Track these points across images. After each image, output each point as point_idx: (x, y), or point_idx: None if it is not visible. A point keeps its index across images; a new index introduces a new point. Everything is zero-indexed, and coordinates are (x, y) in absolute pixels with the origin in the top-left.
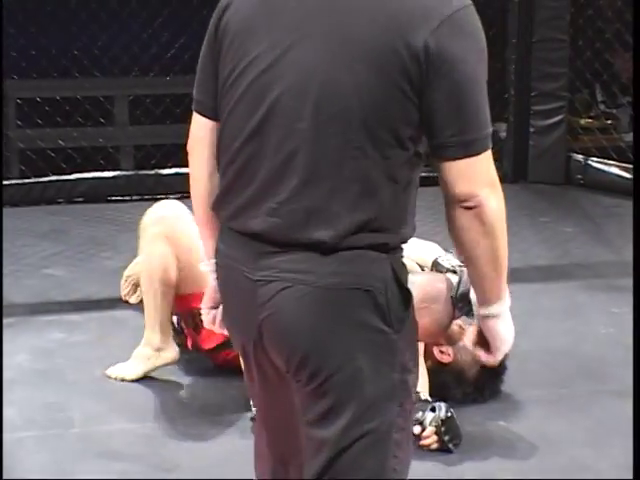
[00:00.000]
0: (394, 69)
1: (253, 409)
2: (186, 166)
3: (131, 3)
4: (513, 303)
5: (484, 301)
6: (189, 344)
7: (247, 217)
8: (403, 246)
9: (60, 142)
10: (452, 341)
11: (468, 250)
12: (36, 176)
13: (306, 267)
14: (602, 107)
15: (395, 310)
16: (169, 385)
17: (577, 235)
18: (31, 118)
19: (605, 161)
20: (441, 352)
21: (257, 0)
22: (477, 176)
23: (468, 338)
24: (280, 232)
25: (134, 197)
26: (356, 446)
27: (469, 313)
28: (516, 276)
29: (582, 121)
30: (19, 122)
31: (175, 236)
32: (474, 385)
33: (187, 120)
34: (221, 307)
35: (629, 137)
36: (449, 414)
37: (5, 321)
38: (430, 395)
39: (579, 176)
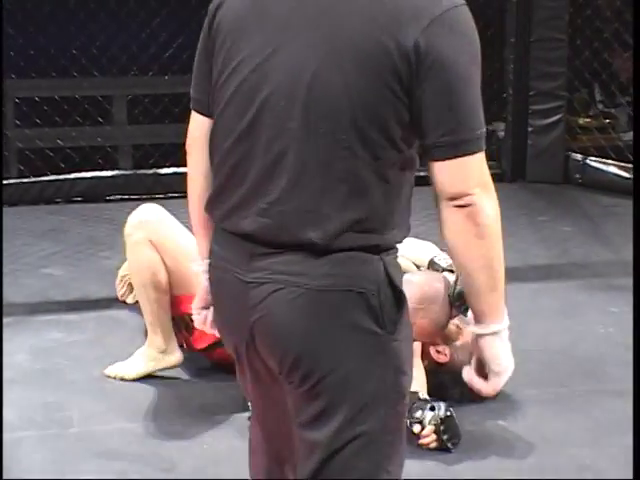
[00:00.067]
0: (384, 69)
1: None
2: (185, 166)
3: (129, 3)
4: (512, 302)
5: (480, 316)
6: (183, 344)
7: (239, 217)
8: (398, 246)
9: (59, 141)
10: (449, 340)
11: (461, 254)
12: (35, 175)
13: (298, 269)
14: (600, 106)
15: (388, 312)
16: (168, 385)
17: (575, 234)
18: (30, 118)
19: (603, 160)
20: (438, 352)
21: None
22: (469, 177)
23: (464, 338)
24: (270, 233)
25: (132, 196)
26: (349, 448)
27: (466, 312)
28: (515, 275)
29: (580, 120)
30: (18, 122)
31: (159, 241)
32: None
33: (186, 119)
34: (212, 308)
35: (628, 136)
36: (448, 413)
37: (4, 320)
38: (428, 395)
39: (577, 175)
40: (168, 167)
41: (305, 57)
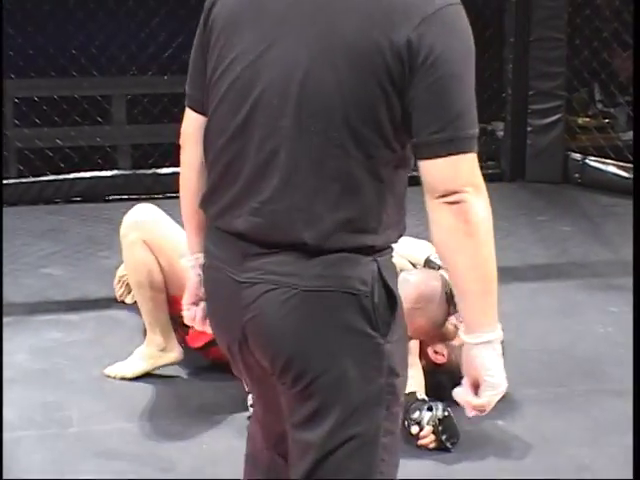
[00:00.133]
0: (376, 67)
1: (250, 409)
2: None
3: (128, 3)
4: (511, 302)
5: (471, 323)
6: (180, 343)
7: (232, 216)
8: (393, 246)
9: (58, 141)
10: (446, 339)
11: (450, 254)
12: (34, 175)
13: (290, 269)
14: (600, 106)
15: (381, 314)
16: (167, 384)
17: (575, 234)
18: (29, 117)
19: (603, 160)
20: (435, 353)
21: None
22: (460, 175)
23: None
24: (262, 232)
25: (132, 196)
26: (342, 449)
27: None
28: (514, 275)
29: (580, 120)
30: (17, 121)
31: (154, 241)
32: None
33: None
34: (202, 304)
35: (627, 136)
36: (446, 413)
37: (4, 320)
38: (426, 395)
39: (577, 175)
40: (167, 167)
41: (298, 54)
